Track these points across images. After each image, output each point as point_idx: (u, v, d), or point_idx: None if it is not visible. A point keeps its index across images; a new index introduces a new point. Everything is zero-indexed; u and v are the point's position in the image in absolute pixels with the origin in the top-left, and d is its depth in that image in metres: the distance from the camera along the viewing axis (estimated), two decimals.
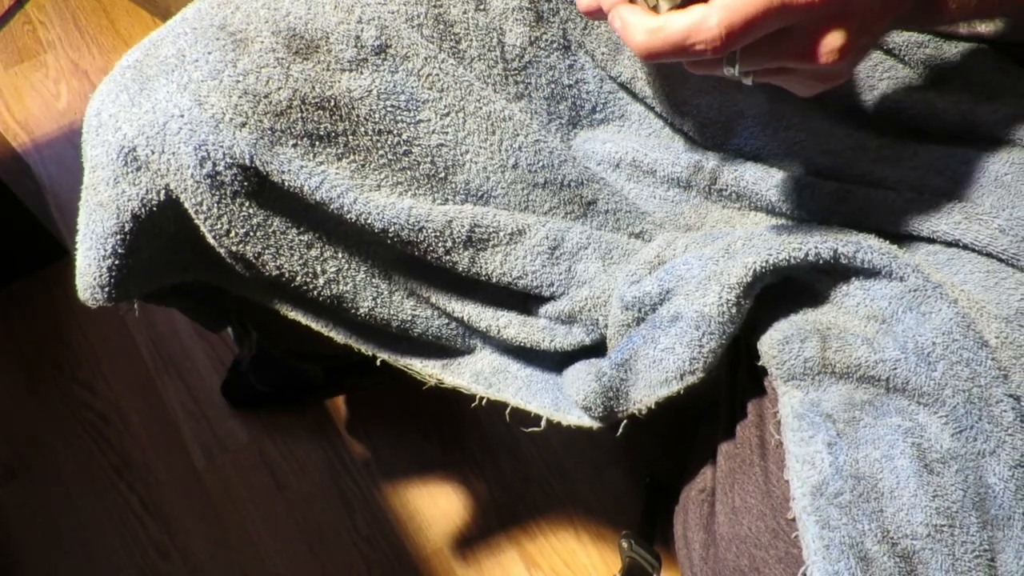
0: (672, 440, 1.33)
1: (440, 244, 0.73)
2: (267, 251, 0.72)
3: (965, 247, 0.75)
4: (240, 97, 0.65)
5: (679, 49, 0.53)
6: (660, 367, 0.71)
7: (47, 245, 1.68)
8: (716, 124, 0.82)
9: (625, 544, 1.17)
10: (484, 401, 0.83)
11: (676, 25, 0.52)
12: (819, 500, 0.64)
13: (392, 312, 0.79)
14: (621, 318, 0.75)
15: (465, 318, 0.79)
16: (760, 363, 0.72)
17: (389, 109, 0.71)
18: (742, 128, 0.82)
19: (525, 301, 0.81)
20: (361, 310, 0.78)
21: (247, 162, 0.65)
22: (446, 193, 0.74)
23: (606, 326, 0.79)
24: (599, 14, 0.59)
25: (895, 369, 0.67)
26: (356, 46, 0.70)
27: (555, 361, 0.84)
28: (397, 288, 0.78)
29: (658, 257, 0.77)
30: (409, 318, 0.80)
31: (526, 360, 0.85)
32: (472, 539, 1.42)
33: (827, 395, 0.69)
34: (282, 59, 0.67)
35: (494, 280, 0.76)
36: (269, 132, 0.66)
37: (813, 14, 0.53)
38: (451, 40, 0.76)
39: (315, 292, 0.76)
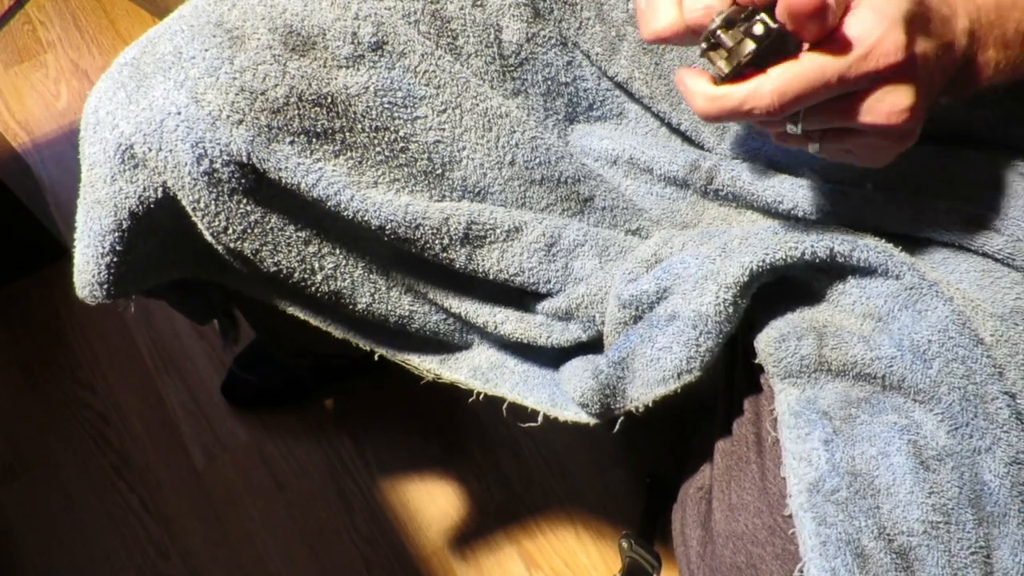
0: (673, 440, 1.33)
1: (437, 241, 0.73)
2: (264, 248, 0.72)
3: (960, 247, 0.75)
4: (237, 94, 0.65)
5: (737, 114, 0.57)
6: (657, 366, 0.71)
7: (47, 244, 1.68)
8: (713, 123, 0.82)
9: (625, 544, 1.17)
10: (482, 396, 0.83)
11: (735, 95, 0.56)
12: (816, 497, 0.64)
13: (390, 308, 0.79)
14: (618, 316, 0.75)
15: (462, 314, 0.79)
16: (757, 361, 0.72)
17: (386, 106, 0.71)
18: (739, 127, 0.82)
19: (522, 297, 0.81)
20: (359, 305, 0.78)
21: (244, 159, 0.65)
22: (443, 190, 0.74)
23: (603, 323, 0.79)
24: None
25: (891, 367, 0.67)
26: (353, 43, 0.70)
27: (552, 357, 0.84)
28: (395, 284, 0.78)
29: (655, 255, 0.77)
30: (407, 313, 0.80)
31: (523, 356, 0.85)
32: (472, 539, 1.42)
33: (823, 393, 0.69)
34: (279, 56, 0.67)
35: (491, 277, 0.76)
36: (266, 129, 0.66)
37: (877, 78, 0.55)
38: (448, 36, 0.76)
39: (313, 288, 0.76)
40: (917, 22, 0.55)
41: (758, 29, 0.54)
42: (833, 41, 0.54)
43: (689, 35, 0.58)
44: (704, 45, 0.57)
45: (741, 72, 0.56)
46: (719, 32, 0.55)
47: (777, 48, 0.55)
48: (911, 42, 0.55)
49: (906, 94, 0.56)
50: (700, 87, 0.58)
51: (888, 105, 0.56)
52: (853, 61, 0.54)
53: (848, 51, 0.54)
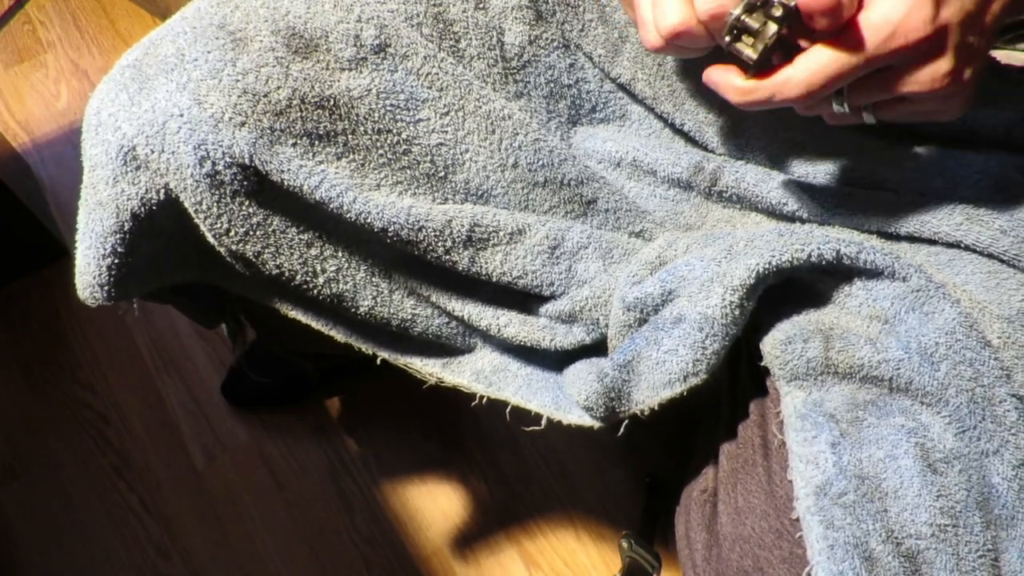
0: (673, 440, 1.33)
1: (440, 243, 0.72)
2: (267, 250, 0.72)
3: (966, 248, 0.75)
4: (239, 96, 0.65)
5: (771, 104, 0.59)
6: (663, 369, 0.70)
7: (47, 245, 1.68)
8: (717, 124, 0.82)
9: (625, 544, 1.17)
10: (484, 400, 0.83)
11: (764, 87, 0.59)
12: (823, 500, 0.64)
13: (392, 311, 0.78)
14: (623, 319, 0.75)
15: (465, 317, 0.79)
16: (762, 363, 0.72)
17: (388, 108, 0.71)
18: (743, 128, 0.82)
19: (525, 300, 0.80)
20: (361, 309, 0.77)
21: (247, 161, 0.65)
22: (446, 192, 0.74)
23: (607, 326, 0.78)
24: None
25: (898, 369, 0.67)
26: (355, 45, 0.70)
27: (555, 360, 0.84)
28: (397, 287, 0.78)
29: (659, 257, 0.76)
30: (409, 317, 0.79)
31: (526, 359, 0.84)
32: (472, 539, 1.42)
33: (830, 395, 0.68)
34: (281, 58, 0.67)
35: (494, 279, 0.76)
36: (268, 131, 0.65)
37: (908, 54, 0.55)
38: (450, 39, 0.76)
39: (315, 291, 0.75)
40: None
41: (777, 11, 0.55)
42: (859, 23, 0.55)
43: (699, 33, 0.58)
44: (728, 38, 0.57)
45: (770, 58, 0.57)
46: (743, 17, 0.56)
47: (805, 29, 0.56)
48: (938, 12, 0.54)
49: (943, 61, 0.56)
50: (731, 81, 0.60)
51: (928, 74, 0.56)
52: (880, 42, 0.54)
53: (874, 32, 0.54)
